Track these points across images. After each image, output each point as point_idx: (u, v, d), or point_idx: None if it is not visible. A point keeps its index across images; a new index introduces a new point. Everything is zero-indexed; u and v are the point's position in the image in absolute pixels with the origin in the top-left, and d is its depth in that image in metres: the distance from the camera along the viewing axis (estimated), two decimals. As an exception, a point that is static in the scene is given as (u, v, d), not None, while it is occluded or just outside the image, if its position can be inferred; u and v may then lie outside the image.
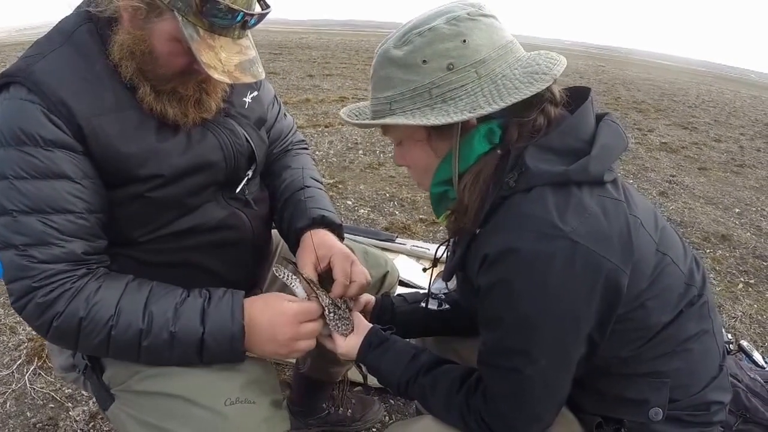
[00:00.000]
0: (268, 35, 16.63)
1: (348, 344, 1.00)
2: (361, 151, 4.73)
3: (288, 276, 1.02)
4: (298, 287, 1.02)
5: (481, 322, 0.85)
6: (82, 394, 1.77)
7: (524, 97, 0.78)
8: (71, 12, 0.98)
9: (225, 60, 0.89)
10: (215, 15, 0.86)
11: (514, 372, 0.80)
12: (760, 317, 2.57)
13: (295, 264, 1.06)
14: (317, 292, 0.99)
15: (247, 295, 0.98)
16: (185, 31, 0.85)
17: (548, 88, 0.81)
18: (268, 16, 0.95)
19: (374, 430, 1.71)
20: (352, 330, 1.02)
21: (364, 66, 10.20)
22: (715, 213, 3.96)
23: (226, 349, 0.93)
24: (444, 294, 1.18)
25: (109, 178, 0.94)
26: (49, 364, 1.88)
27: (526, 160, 0.78)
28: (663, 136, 6.56)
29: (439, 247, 1.06)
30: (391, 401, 1.83)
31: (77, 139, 0.89)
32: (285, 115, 1.37)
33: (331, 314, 0.99)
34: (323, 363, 1.47)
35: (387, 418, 1.77)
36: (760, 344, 2.36)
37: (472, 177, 0.83)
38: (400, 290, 1.35)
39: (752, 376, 1.14)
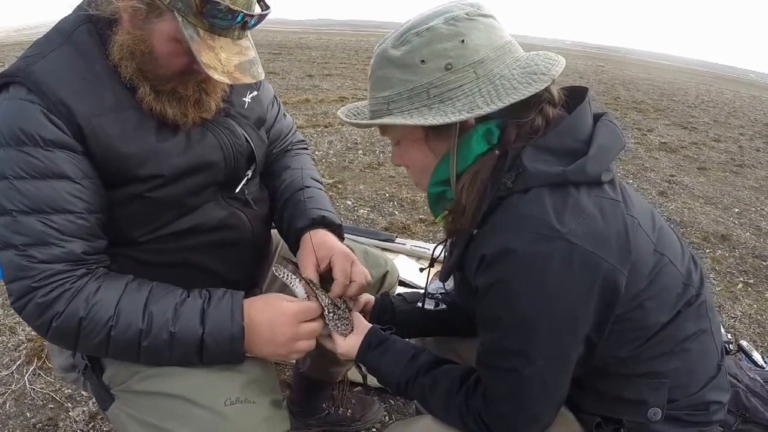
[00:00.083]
0: (268, 35, 16.64)
1: (348, 344, 1.00)
2: (360, 151, 4.73)
3: (288, 276, 1.02)
4: (297, 287, 1.02)
5: (479, 323, 0.85)
6: (82, 395, 1.77)
7: (522, 97, 0.78)
8: (71, 12, 0.98)
9: (225, 60, 0.89)
10: (215, 16, 0.86)
11: (512, 372, 0.81)
12: (759, 317, 2.57)
13: (294, 264, 1.06)
14: (317, 292, 0.99)
15: (246, 295, 0.98)
16: (185, 32, 0.85)
17: (547, 89, 0.81)
18: (267, 17, 0.95)
19: (374, 430, 1.72)
20: (352, 330, 1.02)
21: (364, 66, 10.20)
22: (714, 213, 3.96)
23: (225, 350, 0.93)
24: (441, 294, 1.18)
25: (109, 178, 0.94)
26: (49, 365, 1.88)
27: (523, 161, 0.78)
28: (662, 136, 6.56)
29: (436, 247, 1.06)
30: (391, 401, 1.83)
31: (77, 139, 0.89)
32: (284, 115, 1.37)
33: (331, 314, 1.00)
34: (323, 363, 1.47)
35: (387, 418, 1.77)
36: (760, 344, 2.36)
37: (470, 177, 0.83)
38: (400, 290, 1.35)
39: (752, 376, 1.14)
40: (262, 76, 0.99)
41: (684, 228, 3.59)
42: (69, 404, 1.74)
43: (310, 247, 1.08)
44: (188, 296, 0.94)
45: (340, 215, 3.12)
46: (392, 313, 1.17)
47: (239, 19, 0.88)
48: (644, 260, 0.81)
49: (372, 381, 1.74)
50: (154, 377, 0.95)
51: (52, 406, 1.73)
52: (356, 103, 0.97)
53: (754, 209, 4.15)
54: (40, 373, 1.86)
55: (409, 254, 2.38)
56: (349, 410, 1.68)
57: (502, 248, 0.76)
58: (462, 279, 0.93)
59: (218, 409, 0.90)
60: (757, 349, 1.77)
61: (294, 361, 1.66)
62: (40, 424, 1.65)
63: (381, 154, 4.66)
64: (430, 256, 1.08)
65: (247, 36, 0.96)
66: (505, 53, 0.81)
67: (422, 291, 1.18)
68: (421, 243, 2.50)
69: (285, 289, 1.07)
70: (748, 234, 3.60)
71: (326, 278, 1.06)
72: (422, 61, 0.79)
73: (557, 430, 0.90)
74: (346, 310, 1.02)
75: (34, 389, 1.79)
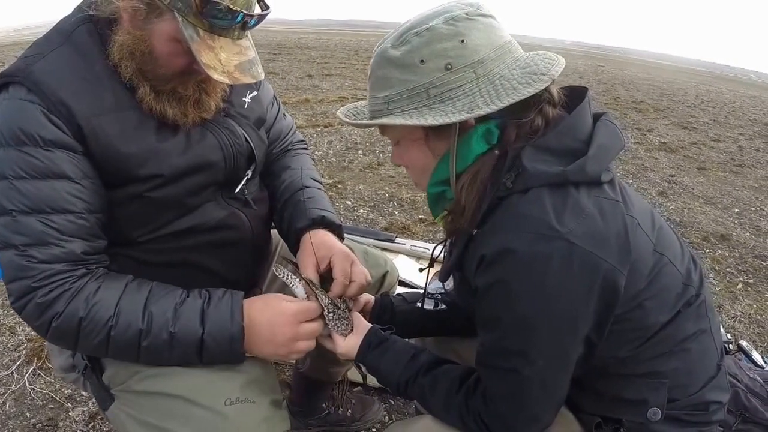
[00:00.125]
0: (267, 35, 16.64)
1: (347, 344, 1.00)
2: (360, 151, 4.73)
3: (288, 276, 1.02)
4: (297, 287, 1.02)
5: (478, 323, 0.85)
6: (82, 395, 1.77)
7: (522, 97, 0.78)
8: (70, 12, 0.98)
9: (225, 60, 0.89)
10: (215, 16, 0.86)
11: (512, 373, 0.81)
12: (759, 317, 2.57)
13: (294, 264, 1.06)
14: (316, 292, 0.99)
15: (246, 295, 0.98)
16: (185, 32, 0.85)
17: (546, 89, 0.81)
18: (267, 17, 0.96)
19: (374, 430, 1.72)
20: (352, 330, 1.02)
21: (363, 66, 10.20)
22: (714, 213, 3.96)
23: (225, 350, 0.93)
24: (441, 294, 1.18)
25: (109, 178, 0.94)
26: (49, 365, 1.88)
27: (523, 161, 0.78)
28: (662, 136, 6.56)
29: (435, 247, 1.06)
30: (391, 401, 1.83)
31: (77, 139, 0.89)
32: (284, 115, 1.37)
33: (331, 314, 1.00)
34: (323, 363, 1.47)
35: (387, 418, 1.77)
36: (760, 344, 2.36)
37: (470, 177, 0.83)
38: (400, 290, 1.35)
39: (751, 375, 1.14)
40: (262, 76, 0.99)
41: (684, 228, 3.59)
42: (69, 404, 1.74)
43: (310, 247, 1.08)
44: (188, 296, 0.94)
45: (340, 215, 3.12)
46: (392, 313, 1.17)
47: (239, 19, 0.88)
48: (644, 260, 0.81)
49: (372, 381, 1.74)
50: (154, 377, 0.95)
51: (52, 406, 1.73)
52: (356, 103, 0.97)
53: (753, 209, 4.15)
54: (39, 374, 1.86)
55: (409, 254, 2.38)
56: (349, 410, 1.68)
57: (501, 248, 0.76)
58: (462, 279, 0.92)
59: (218, 409, 0.90)
60: (756, 349, 1.78)
61: (294, 361, 1.66)
62: (40, 425, 1.65)
63: (381, 154, 4.66)
64: (430, 256, 1.08)
65: (246, 36, 0.96)
66: (504, 53, 0.81)
67: (422, 291, 1.18)
68: (420, 243, 2.50)
69: (285, 289, 1.07)
70: (747, 234, 3.60)
71: (326, 278, 1.06)
72: (422, 61, 0.79)
73: (557, 430, 0.90)
74: (346, 310, 1.02)
75: (33, 389, 1.79)
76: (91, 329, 0.88)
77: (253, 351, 0.96)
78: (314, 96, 7.01)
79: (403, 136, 0.89)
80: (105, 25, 0.92)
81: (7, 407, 1.71)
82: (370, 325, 1.04)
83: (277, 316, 0.95)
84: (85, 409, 1.72)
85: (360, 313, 1.08)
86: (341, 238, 1.17)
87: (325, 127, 5.46)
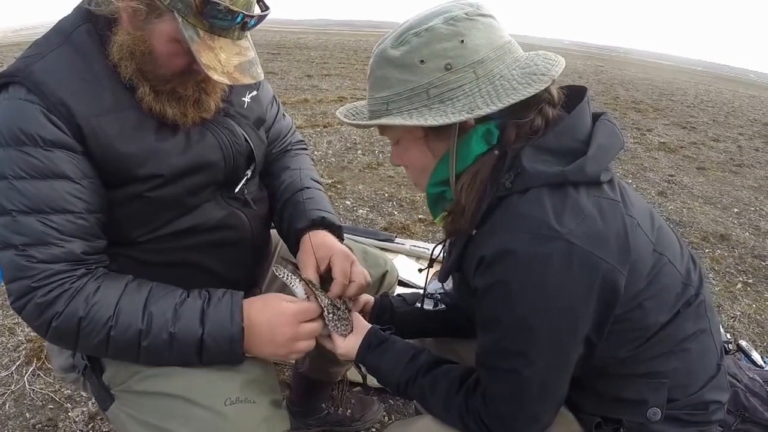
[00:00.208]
0: (267, 35, 16.63)
1: (347, 344, 1.00)
2: (359, 151, 4.73)
3: (287, 276, 1.02)
4: (297, 287, 1.02)
5: (478, 324, 0.85)
6: (81, 395, 1.77)
7: (522, 98, 0.78)
8: (70, 12, 0.98)
9: (224, 61, 0.89)
10: (215, 16, 0.86)
11: (512, 373, 0.81)
12: (758, 317, 2.57)
13: (294, 264, 1.06)
14: (316, 292, 1.00)
15: (246, 295, 0.98)
16: (185, 32, 0.85)
17: (546, 89, 0.81)
18: (266, 17, 0.96)
19: (374, 430, 1.72)
20: (352, 330, 1.02)
21: (363, 66, 10.20)
22: (713, 213, 3.97)
23: (225, 350, 0.93)
24: (440, 294, 1.18)
25: (109, 178, 0.94)
26: (48, 365, 1.88)
27: (522, 161, 0.78)
28: (662, 136, 6.56)
29: (435, 247, 1.06)
30: (391, 401, 1.83)
31: (77, 139, 0.89)
32: (284, 115, 1.37)
33: (330, 314, 1.00)
34: (322, 363, 1.47)
35: (386, 418, 1.77)
36: (759, 344, 2.36)
37: (470, 178, 0.83)
38: (400, 290, 1.35)
39: (751, 375, 1.14)
40: (262, 77, 0.99)
41: (683, 228, 3.59)
42: (68, 405, 1.74)
43: (309, 247, 1.08)
44: (188, 296, 0.95)
45: (340, 215, 3.12)
46: (392, 313, 1.17)
47: (239, 19, 0.88)
48: (643, 260, 0.81)
49: (371, 381, 1.73)
50: (154, 377, 0.95)
51: (51, 406, 1.73)
52: (355, 103, 0.97)
53: (753, 209, 4.15)
54: (39, 374, 1.86)
55: (409, 254, 2.39)
56: (349, 410, 1.68)
57: (501, 249, 0.76)
58: (461, 279, 0.92)
59: (218, 409, 0.90)
60: (756, 349, 1.78)
61: (293, 361, 1.66)
62: (40, 425, 1.65)
63: (380, 154, 4.66)
64: (430, 257, 1.08)
65: (246, 36, 0.96)
66: (504, 53, 0.81)
67: (421, 291, 1.18)
68: (420, 243, 2.50)
69: (285, 289, 1.07)
70: (747, 234, 3.60)
71: (326, 279, 1.06)
72: (421, 61, 0.79)
73: (557, 430, 0.90)
74: (346, 311, 1.02)
75: (33, 390, 1.79)
76: (91, 329, 0.88)
77: (252, 351, 0.96)
78: (313, 96, 7.01)
79: (402, 136, 0.89)
80: (104, 26, 0.92)
81: (6, 407, 1.71)
82: (370, 325, 1.04)
83: (277, 317, 0.95)
84: (84, 409, 1.72)
85: (360, 313, 1.08)
86: (341, 239, 1.17)
87: (325, 127, 5.46)
